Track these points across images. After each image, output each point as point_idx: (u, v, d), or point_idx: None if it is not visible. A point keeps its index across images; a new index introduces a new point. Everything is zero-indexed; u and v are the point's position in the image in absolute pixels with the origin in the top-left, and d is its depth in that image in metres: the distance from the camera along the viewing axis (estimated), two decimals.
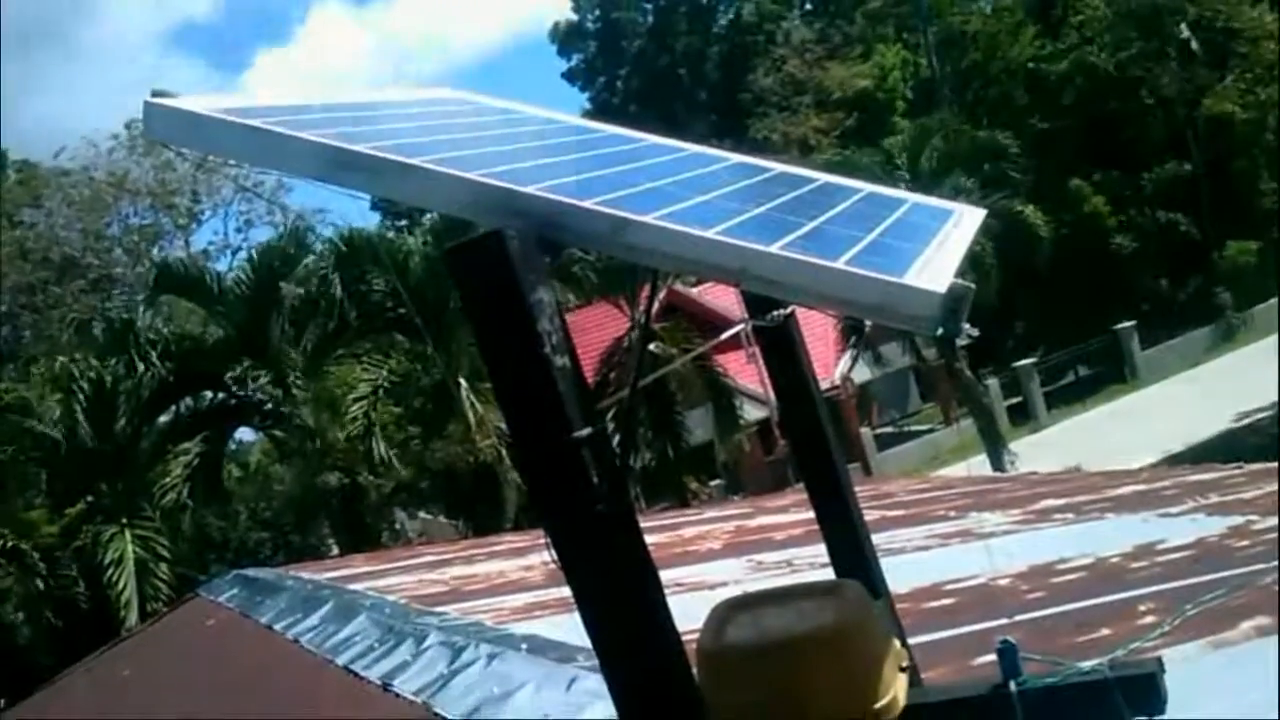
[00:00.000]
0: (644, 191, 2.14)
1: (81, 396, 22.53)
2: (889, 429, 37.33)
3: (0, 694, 19.59)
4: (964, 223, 2.44)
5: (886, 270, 1.78)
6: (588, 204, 1.89)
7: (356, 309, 24.26)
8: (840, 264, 1.78)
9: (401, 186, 2.00)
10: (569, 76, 56.23)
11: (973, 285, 1.73)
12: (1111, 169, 38.54)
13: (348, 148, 2.01)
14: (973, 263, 32.80)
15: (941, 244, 2.13)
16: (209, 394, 25.16)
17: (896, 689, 2.15)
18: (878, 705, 2.09)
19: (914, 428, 37.62)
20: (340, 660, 5.48)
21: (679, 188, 2.23)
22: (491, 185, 1.93)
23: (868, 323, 30.21)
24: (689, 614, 2.13)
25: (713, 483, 30.28)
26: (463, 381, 22.40)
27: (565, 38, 55.63)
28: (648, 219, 1.88)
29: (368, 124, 2.32)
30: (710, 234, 1.84)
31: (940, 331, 1.70)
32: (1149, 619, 3.63)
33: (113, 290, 33.67)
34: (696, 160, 2.69)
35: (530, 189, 1.93)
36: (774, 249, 1.81)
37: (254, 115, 2.10)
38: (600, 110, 51.47)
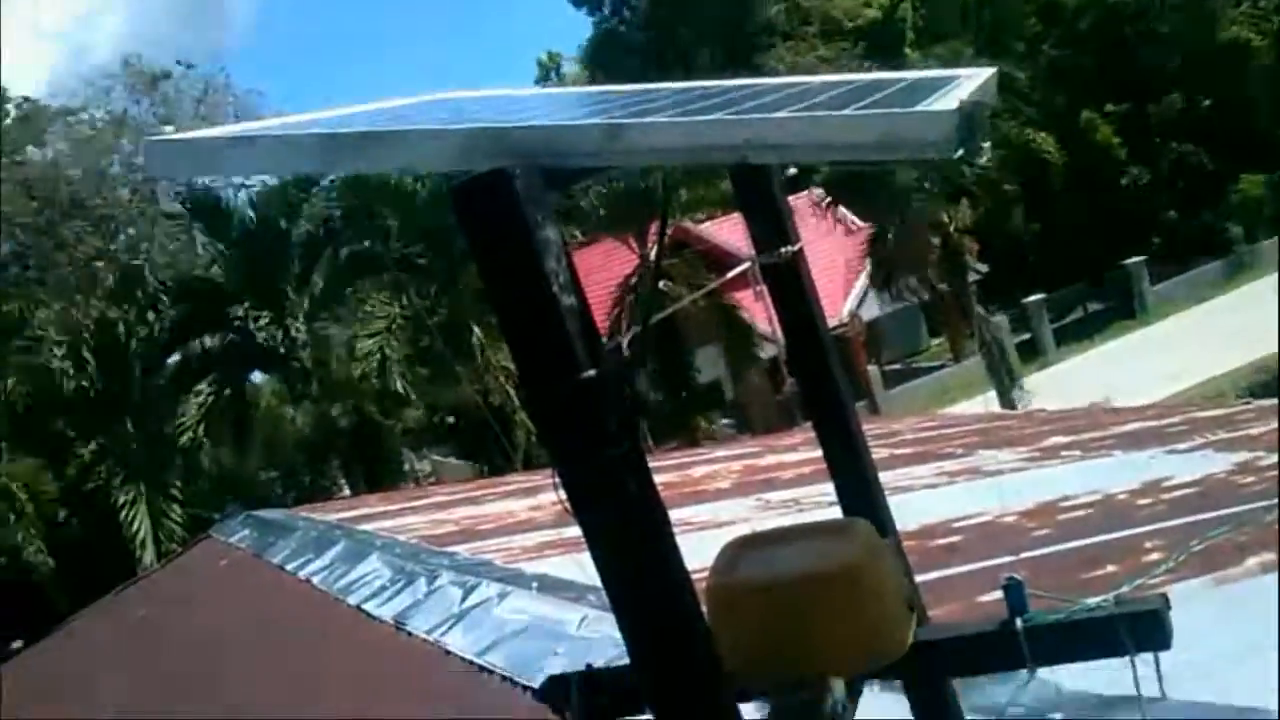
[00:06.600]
0: (635, 112, 2.17)
1: (88, 338, 22.62)
2: (897, 366, 37.29)
3: (19, 634, 19.89)
4: (973, 78, 2.37)
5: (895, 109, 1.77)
6: (580, 121, 1.91)
7: (366, 247, 24.24)
8: (848, 111, 1.78)
9: (394, 155, 2.02)
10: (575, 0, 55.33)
11: (983, 100, 1.69)
12: (1123, 101, 38.09)
13: (336, 132, 2.07)
14: (990, 193, 32.55)
15: (950, 90, 2.09)
16: (219, 335, 25.23)
17: (905, 626, 2.16)
18: (886, 642, 2.11)
19: (922, 364, 37.59)
20: (352, 600, 5.54)
21: (670, 106, 2.23)
22: (482, 128, 1.93)
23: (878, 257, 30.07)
24: (698, 553, 2.14)
25: (721, 421, 30.35)
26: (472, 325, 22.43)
27: None
28: (642, 120, 1.90)
29: (356, 120, 2.36)
30: (709, 116, 1.85)
31: (960, 153, 1.65)
32: (1155, 555, 3.65)
33: (116, 230, 33.60)
34: (687, 91, 2.69)
35: (522, 125, 1.94)
36: (776, 115, 1.81)
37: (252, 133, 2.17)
38: (606, 37, 50.80)
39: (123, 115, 33.90)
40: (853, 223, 32.56)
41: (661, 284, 20.74)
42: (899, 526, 2.63)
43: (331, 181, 25.37)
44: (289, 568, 7.27)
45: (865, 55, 42.81)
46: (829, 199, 29.08)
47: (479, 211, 1.78)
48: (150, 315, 23.57)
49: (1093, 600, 2.24)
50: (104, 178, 33.20)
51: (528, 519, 7.91)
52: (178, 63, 34.44)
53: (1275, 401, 8.43)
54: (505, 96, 2.99)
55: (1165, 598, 2.24)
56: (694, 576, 1.90)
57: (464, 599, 4.53)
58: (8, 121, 32.98)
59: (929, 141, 1.65)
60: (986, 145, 1.67)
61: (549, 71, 55.04)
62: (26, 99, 34.10)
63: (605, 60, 48.92)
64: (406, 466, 29.22)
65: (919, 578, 2.61)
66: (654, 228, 23.79)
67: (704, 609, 1.95)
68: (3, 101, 32.91)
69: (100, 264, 28.91)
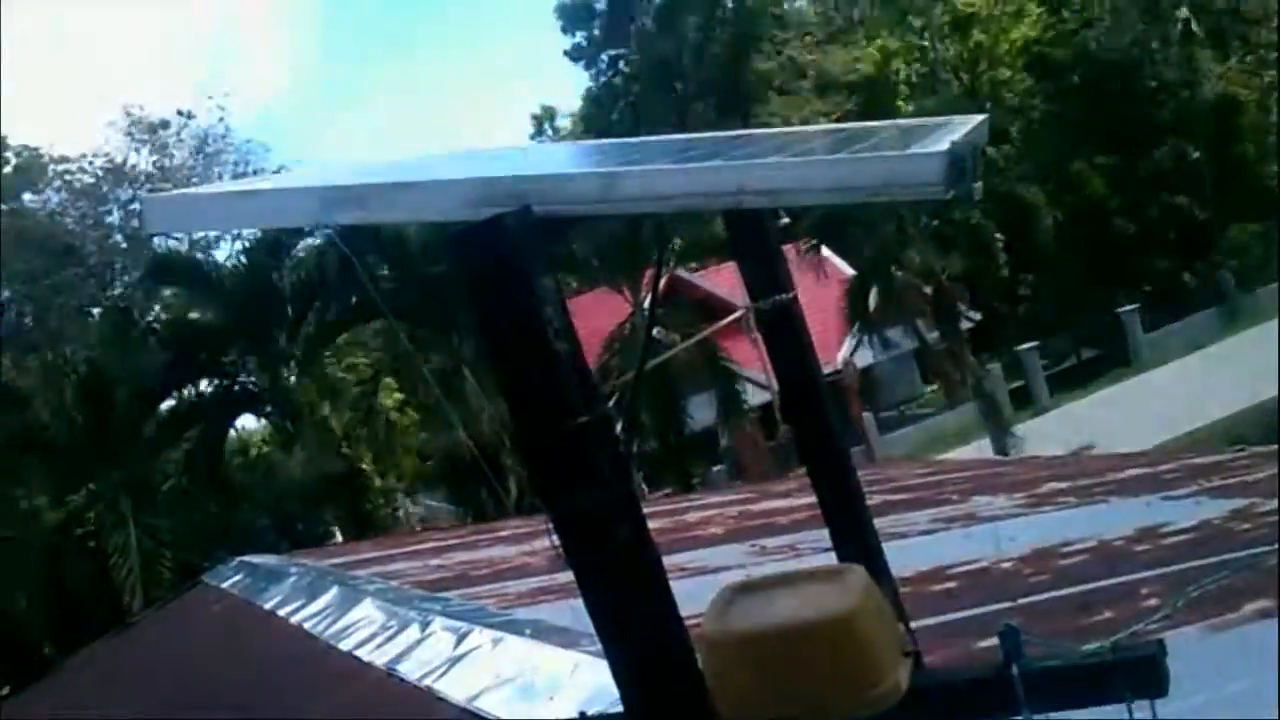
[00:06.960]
0: (630, 161, 2.21)
1: (79, 385, 22.57)
2: (891, 413, 37.31)
3: (6, 681, 19.67)
4: (965, 123, 2.40)
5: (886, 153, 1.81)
6: (577, 170, 1.94)
7: (356, 293, 24.25)
8: (841, 155, 1.81)
9: (396, 205, 2.06)
10: (573, 55, 55.63)
11: (974, 142, 1.72)
12: (1114, 152, 38.42)
13: (340, 184, 2.10)
14: (978, 243, 32.74)
15: (941, 134, 2.12)
16: (210, 381, 25.21)
17: (900, 673, 2.15)
18: (881, 689, 2.10)
19: (917, 411, 37.61)
20: (345, 645, 5.50)
21: (661, 157, 2.26)
22: (480, 177, 1.96)
23: (871, 304, 30.20)
24: (692, 599, 2.14)
25: (714, 468, 30.30)
26: (464, 369, 22.42)
27: (572, 16, 54.93)
28: (637, 169, 1.94)
29: (357, 174, 2.39)
30: (704, 163, 1.88)
31: (951, 194, 1.67)
32: (1152, 601, 3.64)
33: (112, 278, 33.64)
34: (682, 142, 2.73)
35: (519, 174, 1.97)
36: (770, 160, 1.84)
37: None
38: (602, 91, 51.12)
39: (122, 164, 34.06)
40: (847, 270, 32.74)
41: (656, 331, 20.78)
42: (895, 572, 2.62)
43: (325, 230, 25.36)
44: (281, 613, 7.22)
45: (860, 109, 43.23)
46: (813, 243, 29.26)
47: (476, 258, 1.79)
48: (140, 358, 23.52)
49: (1089, 647, 2.23)
50: (99, 225, 33.30)
51: (521, 564, 7.87)
52: (178, 112, 34.68)
53: (1268, 448, 8.44)
54: (501, 149, 3.03)
55: (1162, 644, 2.23)
56: (688, 623, 1.90)
57: (457, 645, 4.50)
58: (7, 170, 33.11)
59: (920, 183, 1.67)
60: (978, 186, 1.70)
61: (543, 124, 55.43)
62: (26, 147, 34.29)
63: (601, 114, 49.24)
64: (400, 512, 29.10)
65: (915, 623, 2.60)
66: (648, 276, 23.91)
67: (698, 656, 1.95)
68: (2, 149, 33.06)
69: (93, 310, 28.93)
